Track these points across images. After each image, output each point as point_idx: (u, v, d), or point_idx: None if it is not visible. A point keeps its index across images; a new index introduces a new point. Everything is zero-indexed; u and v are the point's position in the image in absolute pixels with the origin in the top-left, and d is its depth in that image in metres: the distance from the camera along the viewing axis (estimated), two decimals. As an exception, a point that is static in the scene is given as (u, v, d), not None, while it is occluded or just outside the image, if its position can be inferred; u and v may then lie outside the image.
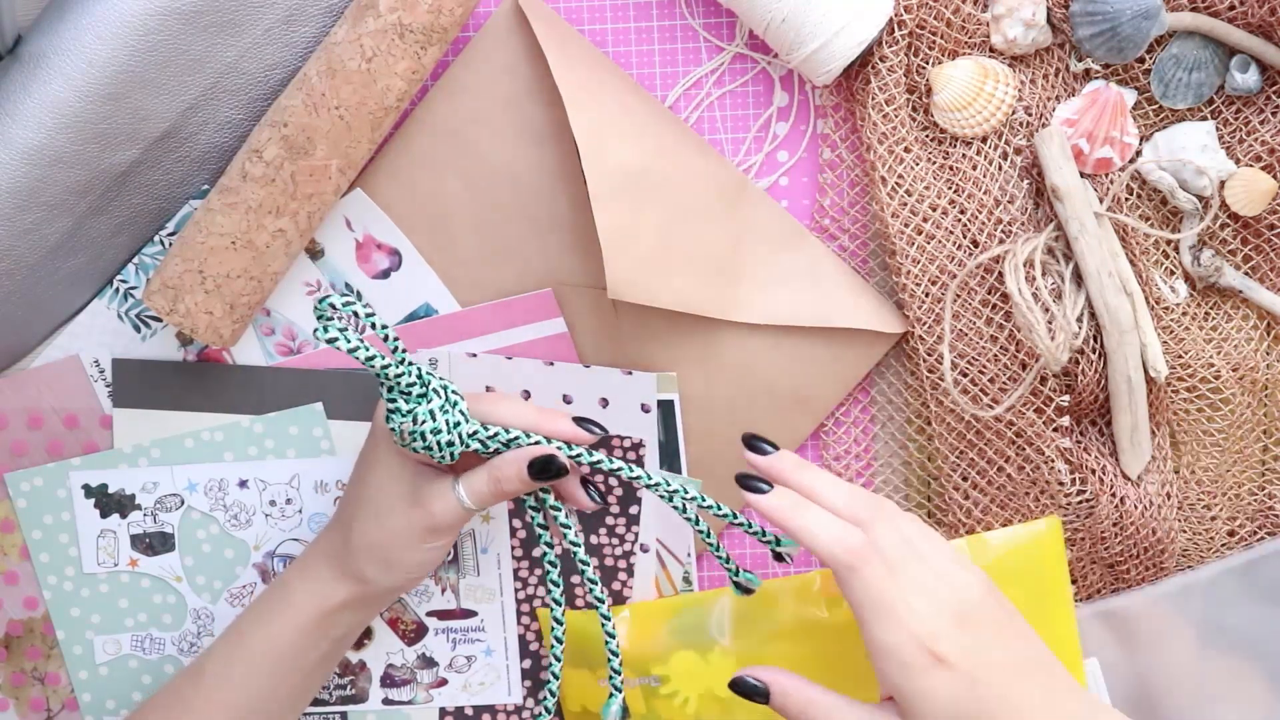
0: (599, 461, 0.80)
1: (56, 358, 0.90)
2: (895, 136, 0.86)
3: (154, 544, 0.92)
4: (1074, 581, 0.90)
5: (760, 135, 0.90)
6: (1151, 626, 0.89)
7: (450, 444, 0.78)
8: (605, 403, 0.89)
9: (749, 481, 0.77)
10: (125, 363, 0.90)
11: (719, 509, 0.81)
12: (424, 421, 0.78)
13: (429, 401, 0.78)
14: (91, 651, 0.92)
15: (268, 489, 0.91)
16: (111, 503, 0.91)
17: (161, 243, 0.89)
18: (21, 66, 0.81)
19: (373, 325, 0.76)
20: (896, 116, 0.86)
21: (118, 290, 0.89)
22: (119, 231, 0.87)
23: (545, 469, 0.79)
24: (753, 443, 0.78)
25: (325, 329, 0.75)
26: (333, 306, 0.75)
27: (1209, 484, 0.90)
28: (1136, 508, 0.88)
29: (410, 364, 0.78)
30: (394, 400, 0.78)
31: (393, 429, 0.78)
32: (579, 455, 0.80)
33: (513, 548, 0.92)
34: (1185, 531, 0.90)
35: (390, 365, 0.77)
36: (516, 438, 0.79)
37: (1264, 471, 0.91)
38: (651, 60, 0.90)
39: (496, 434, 0.79)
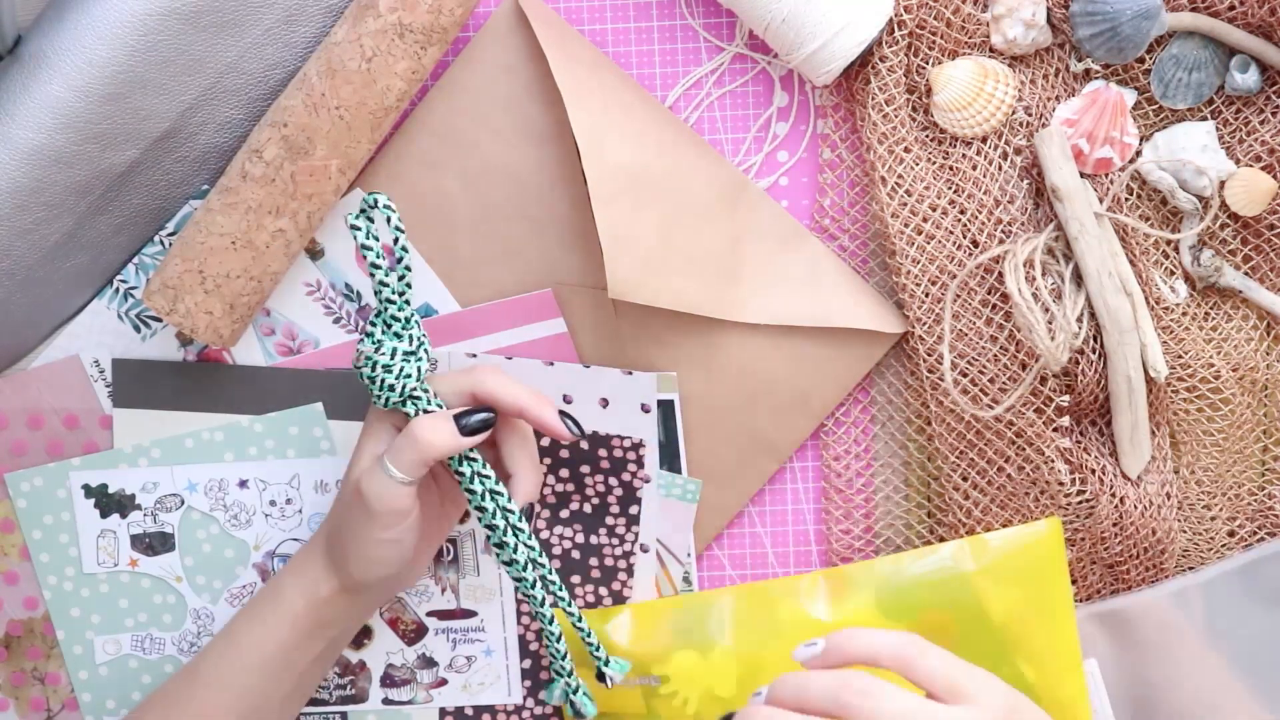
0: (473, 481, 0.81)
1: (56, 358, 0.90)
2: (895, 136, 0.86)
3: (154, 544, 0.92)
4: (1074, 582, 0.90)
5: (760, 135, 0.90)
6: (1151, 627, 0.89)
7: (392, 387, 0.79)
8: (605, 403, 0.89)
9: None
10: (125, 363, 0.90)
11: (559, 588, 0.83)
12: (384, 353, 0.79)
13: (400, 341, 0.79)
14: (91, 651, 0.92)
15: (268, 489, 0.91)
16: (111, 503, 0.91)
17: (161, 243, 0.89)
18: (21, 66, 0.81)
19: (396, 240, 0.79)
20: (896, 116, 0.86)
21: (118, 290, 0.89)
22: (119, 231, 0.87)
23: (470, 422, 0.79)
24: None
25: (356, 217, 0.78)
26: (373, 205, 0.78)
27: (1209, 484, 0.90)
28: (1136, 508, 0.87)
29: (408, 302, 0.79)
30: (374, 325, 0.80)
31: (358, 350, 0.80)
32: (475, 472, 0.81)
33: (513, 548, 0.92)
34: (1185, 531, 0.90)
35: (390, 288, 0.79)
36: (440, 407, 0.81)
37: (1264, 471, 0.91)
38: (651, 60, 0.90)
39: (431, 402, 0.80)
